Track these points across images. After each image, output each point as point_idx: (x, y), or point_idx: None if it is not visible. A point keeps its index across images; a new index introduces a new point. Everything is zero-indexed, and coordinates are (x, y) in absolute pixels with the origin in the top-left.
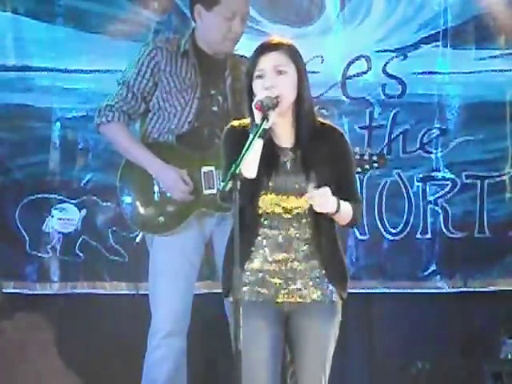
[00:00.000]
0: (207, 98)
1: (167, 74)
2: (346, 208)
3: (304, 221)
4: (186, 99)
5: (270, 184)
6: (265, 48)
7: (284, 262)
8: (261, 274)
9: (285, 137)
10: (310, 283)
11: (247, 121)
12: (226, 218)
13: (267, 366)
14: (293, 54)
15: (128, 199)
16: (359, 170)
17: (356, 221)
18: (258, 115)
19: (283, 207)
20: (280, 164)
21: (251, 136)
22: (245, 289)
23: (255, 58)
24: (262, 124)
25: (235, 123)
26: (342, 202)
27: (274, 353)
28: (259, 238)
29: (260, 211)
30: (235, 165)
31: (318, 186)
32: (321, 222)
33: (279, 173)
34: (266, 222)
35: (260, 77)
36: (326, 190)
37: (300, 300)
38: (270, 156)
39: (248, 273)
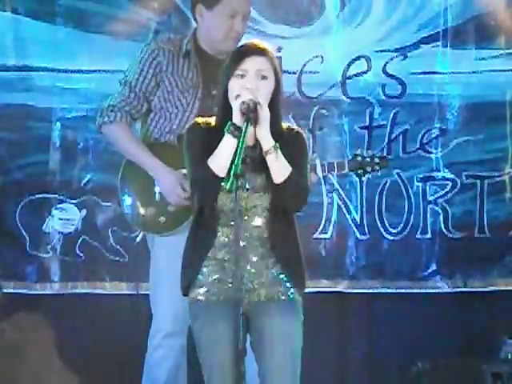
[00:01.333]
0: (209, 99)
1: (169, 74)
2: (284, 162)
3: (261, 219)
4: (188, 99)
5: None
6: (251, 50)
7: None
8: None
9: (248, 136)
10: (268, 282)
11: (211, 119)
12: None
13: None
14: (274, 62)
15: (129, 199)
16: (360, 171)
17: (294, 182)
18: (239, 116)
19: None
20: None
21: (241, 139)
22: (202, 290)
23: (239, 58)
24: (246, 126)
25: (199, 120)
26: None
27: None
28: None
29: (219, 209)
30: (235, 165)
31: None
32: (278, 219)
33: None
34: (223, 220)
35: (241, 76)
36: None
37: (258, 299)
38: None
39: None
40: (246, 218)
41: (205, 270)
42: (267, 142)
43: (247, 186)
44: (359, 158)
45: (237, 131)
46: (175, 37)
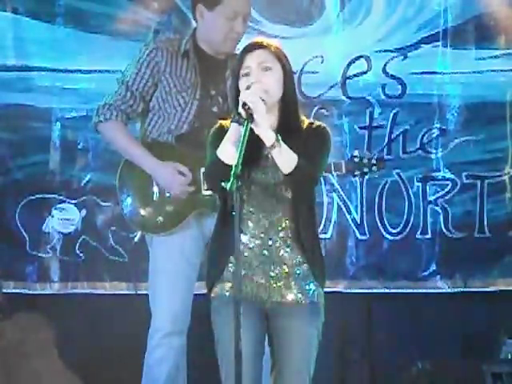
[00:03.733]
0: (207, 99)
1: (167, 74)
2: (290, 154)
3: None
4: (186, 100)
5: (253, 175)
6: (250, 46)
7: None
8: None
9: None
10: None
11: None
12: None
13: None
14: (278, 53)
15: (127, 199)
16: (357, 172)
17: (302, 171)
18: (242, 110)
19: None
20: (263, 157)
21: (241, 137)
22: (228, 286)
23: (241, 57)
24: (247, 125)
25: (223, 123)
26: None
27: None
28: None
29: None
30: (235, 165)
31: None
32: (299, 212)
33: (260, 165)
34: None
35: (246, 75)
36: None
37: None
38: (255, 149)
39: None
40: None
41: (231, 265)
42: (267, 138)
43: (273, 181)
44: (356, 160)
45: (242, 119)
46: (174, 37)
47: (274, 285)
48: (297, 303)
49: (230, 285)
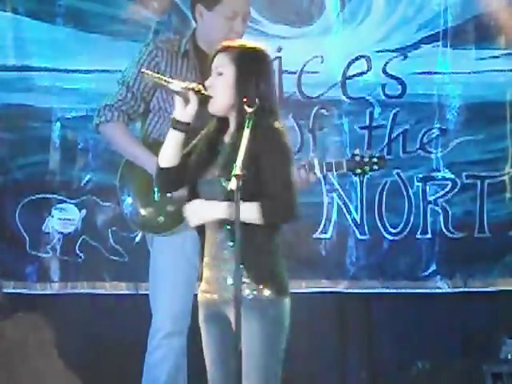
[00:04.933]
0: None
1: (167, 74)
2: (244, 210)
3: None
4: None
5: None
6: (217, 50)
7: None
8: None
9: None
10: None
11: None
12: None
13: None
14: (236, 56)
15: (128, 199)
16: (359, 171)
17: (266, 219)
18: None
19: None
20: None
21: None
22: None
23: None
24: (249, 122)
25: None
26: (242, 204)
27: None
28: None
29: None
30: (235, 165)
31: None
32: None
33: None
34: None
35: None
36: (196, 203)
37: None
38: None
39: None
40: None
41: (203, 265)
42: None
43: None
44: (358, 158)
45: (177, 124)
46: (174, 37)
47: (225, 284)
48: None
49: (202, 286)
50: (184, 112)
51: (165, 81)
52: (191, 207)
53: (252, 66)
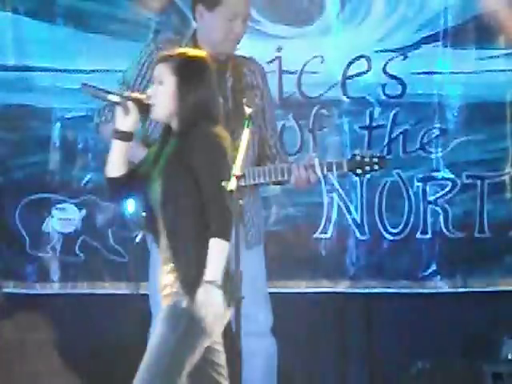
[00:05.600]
0: None
1: None
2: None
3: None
4: None
5: None
6: (158, 58)
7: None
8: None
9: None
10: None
11: None
12: None
13: None
14: (176, 66)
15: (129, 199)
16: (359, 171)
17: (226, 236)
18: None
19: None
20: None
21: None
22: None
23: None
24: (248, 124)
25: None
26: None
27: None
28: None
29: None
30: (234, 166)
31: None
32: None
33: None
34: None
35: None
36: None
37: None
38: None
39: None
40: None
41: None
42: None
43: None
44: (358, 158)
45: (118, 133)
46: (175, 37)
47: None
48: None
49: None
50: (124, 121)
51: (104, 92)
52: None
53: (192, 75)
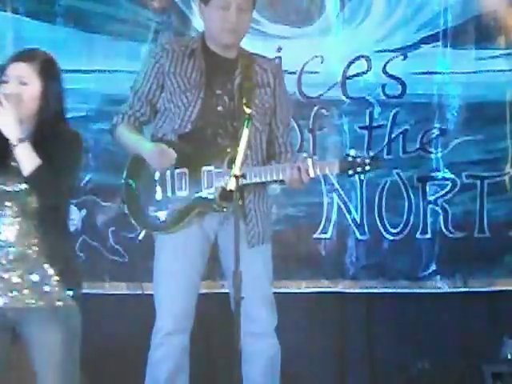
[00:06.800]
0: (212, 98)
1: (171, 75)
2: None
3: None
4: (190, 99)
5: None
6: (15, 56)
7: None
8: None
9: None
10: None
11: None
12: (229, 217)
13: None
14: (42, 67)
15: (132, 197)
16: (351, 172)
17: (41, 175)
18: None
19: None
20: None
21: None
22: None
23: (6, 64)
24: (248, 123)
25: None
26: None
27: None
28: None
29: None
30: (234, 166)
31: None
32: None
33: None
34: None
35: (4, 82)
36: None
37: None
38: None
39: None
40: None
41: None
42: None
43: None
44: (350, 159)
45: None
46: (183, 37)
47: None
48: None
49: None
50: None
51: None
52: None
53: (56, 77)
